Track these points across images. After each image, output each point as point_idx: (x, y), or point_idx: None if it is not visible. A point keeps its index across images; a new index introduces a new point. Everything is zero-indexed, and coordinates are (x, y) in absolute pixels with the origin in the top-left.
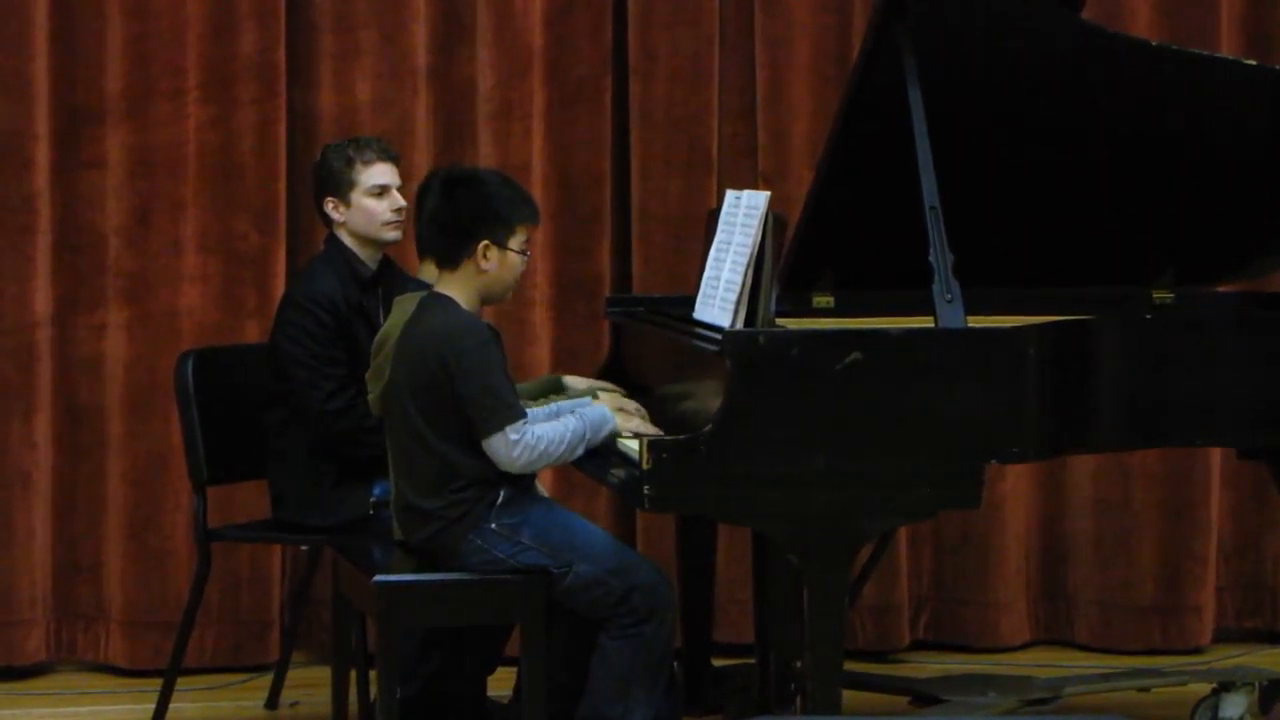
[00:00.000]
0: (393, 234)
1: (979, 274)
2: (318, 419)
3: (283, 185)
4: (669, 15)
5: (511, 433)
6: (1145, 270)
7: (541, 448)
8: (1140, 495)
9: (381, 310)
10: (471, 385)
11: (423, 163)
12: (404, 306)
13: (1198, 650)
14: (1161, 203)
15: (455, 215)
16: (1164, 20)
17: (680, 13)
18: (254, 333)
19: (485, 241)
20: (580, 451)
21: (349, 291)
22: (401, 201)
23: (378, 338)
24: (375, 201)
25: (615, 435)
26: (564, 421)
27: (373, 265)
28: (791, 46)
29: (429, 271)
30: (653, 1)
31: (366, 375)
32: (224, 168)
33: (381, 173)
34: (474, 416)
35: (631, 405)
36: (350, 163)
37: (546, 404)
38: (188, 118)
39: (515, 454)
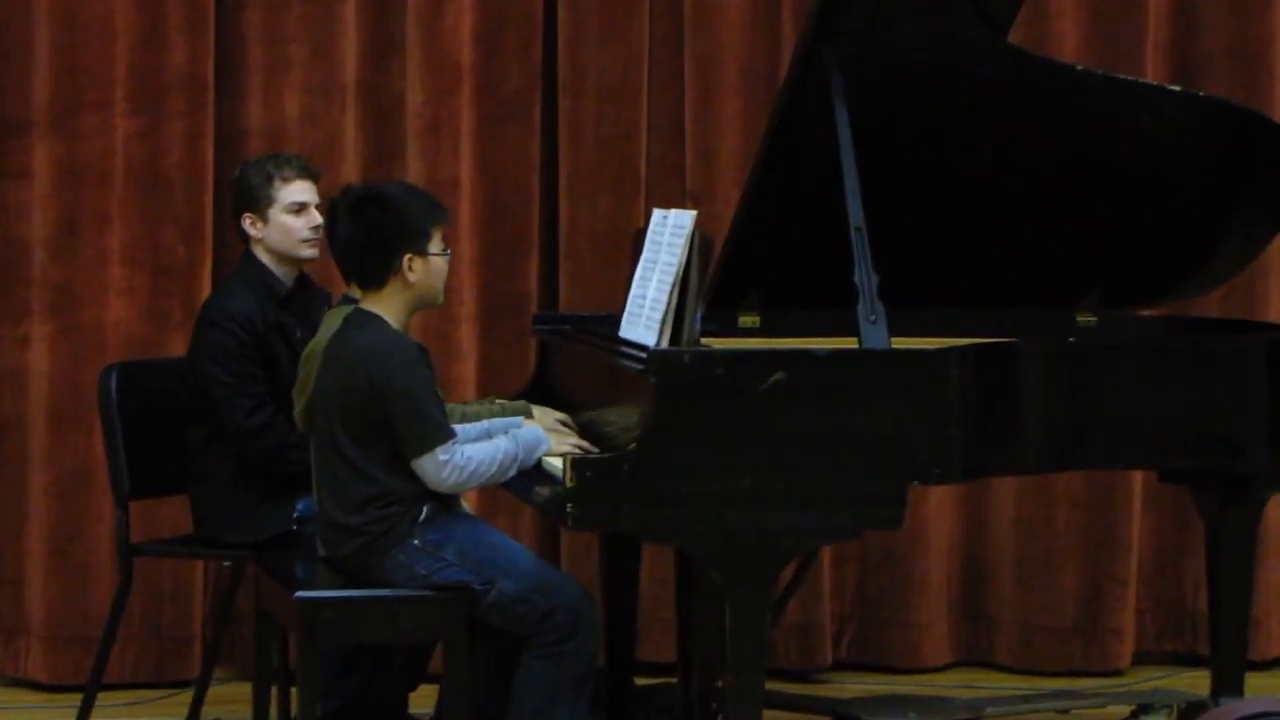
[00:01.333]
0: (309, 251)
1: (904, 295)
2: (239, 436)
3: (209, 198)
4: (599, 33)
5: (440, 453)
6: (1070, 293)
7: (471, 468)
8: (1062, 517)
9: (299, 327)
10: (400, 405)
11: (351, 177)
12: (331, 321)
13: (1118, 672)
14: (1087, 226)
15: (371, 237)
16: (1092, 45)
17: (610, 31)
18: (179, 346)
19: (408, 255)
20: (512, 472)
21: (266, 309)
22: (319, 219)
23: (305, 350)
24: (293, 219)
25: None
26: (495, 443)
27: (289, 282)
28: (721, 66)
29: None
30: (582, 19)
31: (293, 389)
32: (151, 180)
33: (300, 190)
34: (403, 436)
35: (568, 427)
36: (270, 179)
37: (476, 420)
38: (115, 129)
39: (444, 475)
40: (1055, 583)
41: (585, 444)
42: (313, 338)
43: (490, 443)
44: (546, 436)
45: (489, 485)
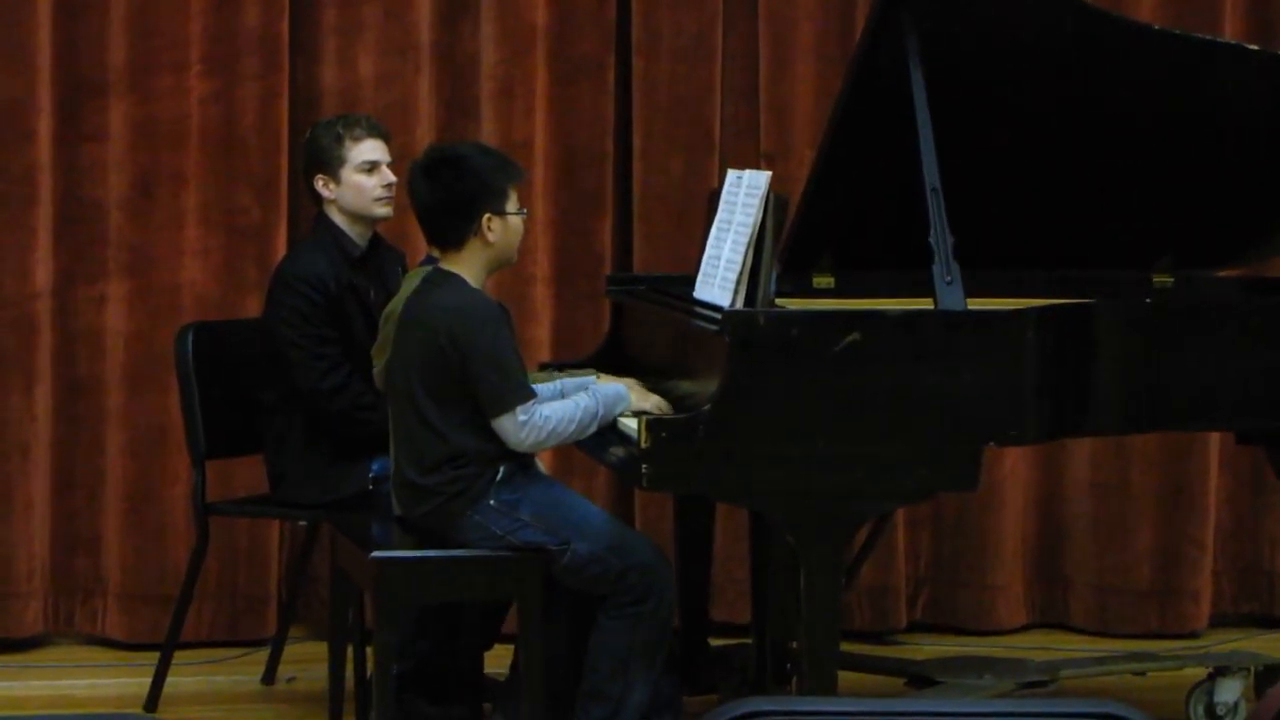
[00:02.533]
0: (383, 210)
1: (980, 256)
2: (313, 398)
3: (284, 160)
4: None
5: (520, 413)
6: (1146, 254)
7: (550, 427)
8: (1138, 479)
9: (373, 288)
10: (481, 363)
11: (425, 138)
12: (411, 281)
13: (1194, 635)
14: (1162, 187)
15: (449, 198)
16: (1168, 5)
17: None
18: (254, 307)
19: (486, 215)
20: (592, 429)
21: (339, 270)
22: (392, 177)
23: (384, 311)
24: (365, 178)
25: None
26: (575, 399)
27: (362, 243)
28: (795, 25)
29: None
30: None
31: (372, 349)
32: (226, 141)
33: (371, 149)
34: (483, 395)
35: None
36: (339, 140)
37: (550, 381)
38: (190, 91)
39: (523, 435)
40: (1131, 545)
41: (664, 403)
42: (387, 299)
43: (569, 400)
44: (628, 392)
45: (568, 443)
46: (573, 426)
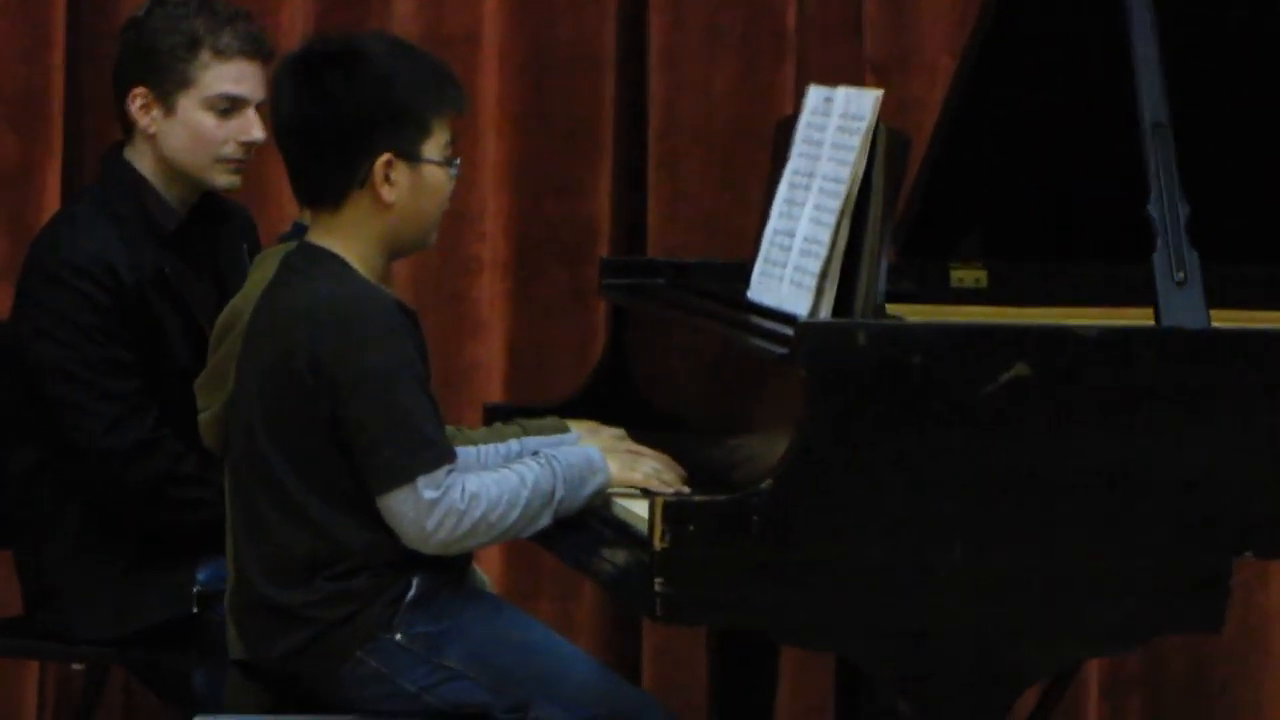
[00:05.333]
0: (228, 179)
1: (1218, 243)
2: (97, 463)
3: (59, 60)
4: None
5: (426, 487)
6: None
7: (478, 513)
8: None
9: (200, 281)
10: (362, 403)
11: (298, 29)
12: (265, 266)
13: None
14: None
15: (330, 119)
16: None
17: None
18: (2, 303)
19: (386, 155)
20: (545, 521)
21: (141, 253)
22: (259, 132)
23: (222, 319)
24: (215, 121)
25: (606, 494)
26: (518, 468)
27: (181, 211)
28: None
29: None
30: None
31: (196, 383)
32: None
33: (239, 75)
34: (365, 458)
35: (646, 452)
36: (194, 44)
37: (498, 441)
38: None
39: (430, 523)
40: None
41: (675, 472)
42: (223, 299)
43: (508, 470)
44: (603, 460)
45: (506, 541)
46: (514, 514)
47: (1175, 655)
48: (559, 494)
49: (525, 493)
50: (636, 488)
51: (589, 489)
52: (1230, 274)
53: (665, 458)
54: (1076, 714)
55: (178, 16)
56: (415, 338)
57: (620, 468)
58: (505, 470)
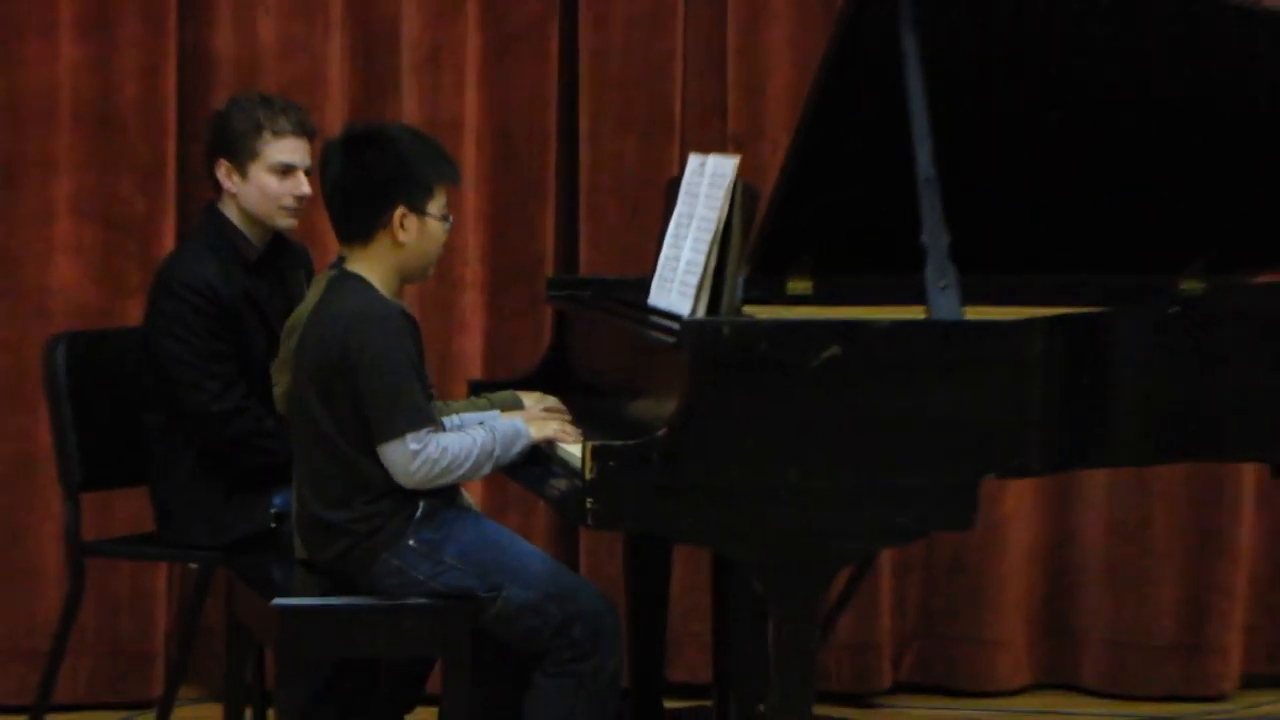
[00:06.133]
0: (287, 221)
1: (980, 259)
2: (204, 423)
3: (172, 140)
4: None
5: (412, 441)
6: (1173, 256)
7: (445, 461)
8: (1161, 519)
9: (274, 295)
10: (370, 378)
11: (336, 118)
12: (316, 288)
13: (1222, 697)
14: (1195, 178)
15: (363, 181)
16: None
17: None
18: (137, 314)
19: (401, 209)
20: (486, 470)
21: (232, 275)
22: (306, 188)
23: (289, 322)
24: (276, 181)
25: (530, 448)
26: (473, 434)
27: (260, 245)
28: None
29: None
30: None
31: (273, 366)
32: (103, 118)
33: (292, 149)
34: (372, 417)
35: (556, 416)
36: (258, 129)
37: (471, 411)
38: (60, 57)
39: (414, 467)
40: (1151, 594)
41: (572, 428)
42: (290, 308)
43: (466, 433)
44: (526, 427)
45: (459, 483)
46: (468, 464)
47: (942, 545)
48: (497, 452)
49: (476, 450)
50: (549, 440)
51: (517, 447)
52: (984, 280)
53: (568, 422)
54: (874, 590)
55: (247, 109)
56: (415, 336)
57: (537, 430)
58: (464, 433)
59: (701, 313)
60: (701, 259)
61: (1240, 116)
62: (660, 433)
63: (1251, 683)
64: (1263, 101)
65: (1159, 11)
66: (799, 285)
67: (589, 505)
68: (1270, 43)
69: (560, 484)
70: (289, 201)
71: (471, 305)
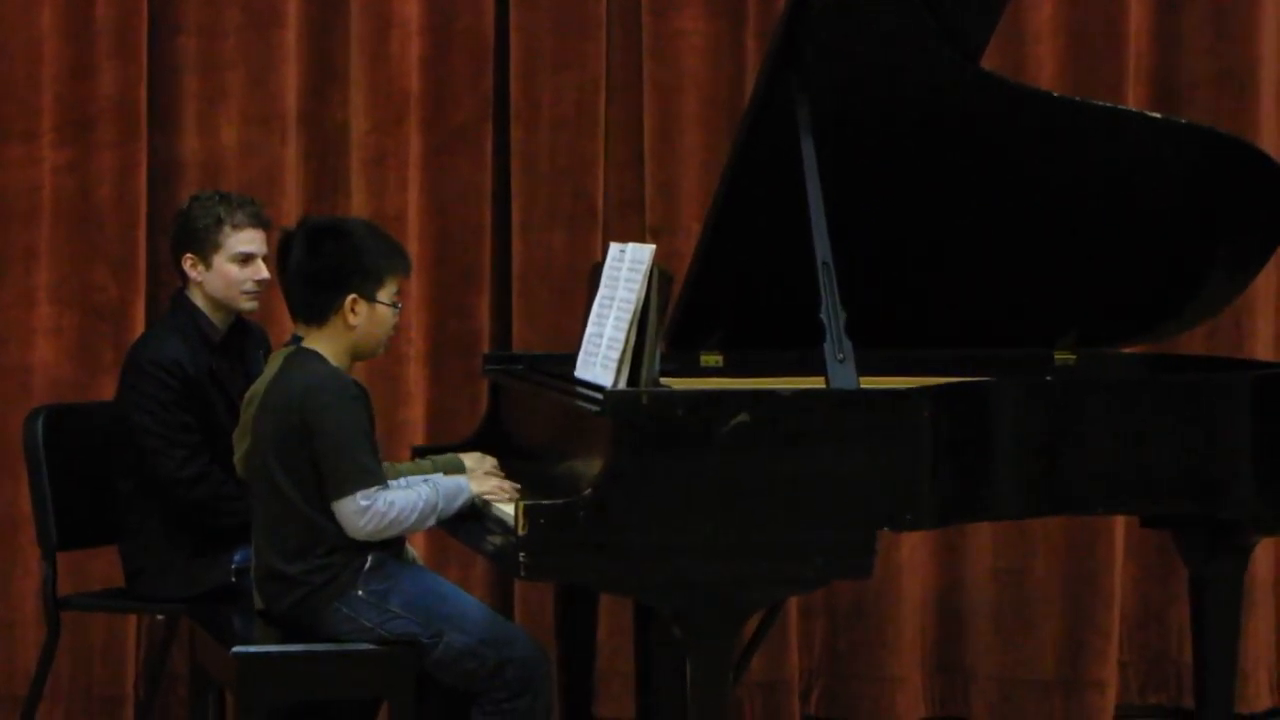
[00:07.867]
0: (249, 304)
1: (874, 333)
2: (171, 488)
3: (143, 234)
4: (553, 60)
5: (362, 498)
6: (1048, 330)
7: (392, 515)
8: (1041, 565)
9: (234, 372)
10: (324, 441)
11: (292, 211)
12: (274, 363)
13: None
14: (1065, 260)
15: (320, 269)
16: (1070, 71)
17: (565, 58)
18: (110, 389)
19: (353, 296)
20: (430, 522)
21: (198, 355)
22: (265, 273)
23: (248, 394)
24: (238, 269)
25: (472, 503)
26: (417, 489)
27: (223, 327)
28: (681, 95)
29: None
30: (536, 45)
31: (234, 433)
32: (81, 215)
33: (250, 239)
34: (327, 476)
35: (494, 476)
36: (218, 223)
37: (415, 473)
38: (42, 161)
39: (363, 521)
40: (1034, 634)
41: (509, 484)
42: (249, 383)
43: (412, 489)
44: (467, 484)
45: (406, 535)
46: (414, 517)
47: (844, 592)
48: (440, 505)
49: (421, 503)
50: (488, 498)
51: (459, 501)
52: (877, 354)
53: (505, 479)
54: (783, 632)
55: (208, 206)
56: (365, 405)
57: (477, 486)
58: (410, 489)
59: (623, 384)
60: (622, 336)
61: (1109, 204)
62: (586, 493)
63: (1127, 713)
64: (1128, 192)
65: (1034, 109)
66: (711, 359)
67: (521, 559)
68: (1136, 141)
69: (496, 539)
70: (250, 286)
71: (415, 378)
